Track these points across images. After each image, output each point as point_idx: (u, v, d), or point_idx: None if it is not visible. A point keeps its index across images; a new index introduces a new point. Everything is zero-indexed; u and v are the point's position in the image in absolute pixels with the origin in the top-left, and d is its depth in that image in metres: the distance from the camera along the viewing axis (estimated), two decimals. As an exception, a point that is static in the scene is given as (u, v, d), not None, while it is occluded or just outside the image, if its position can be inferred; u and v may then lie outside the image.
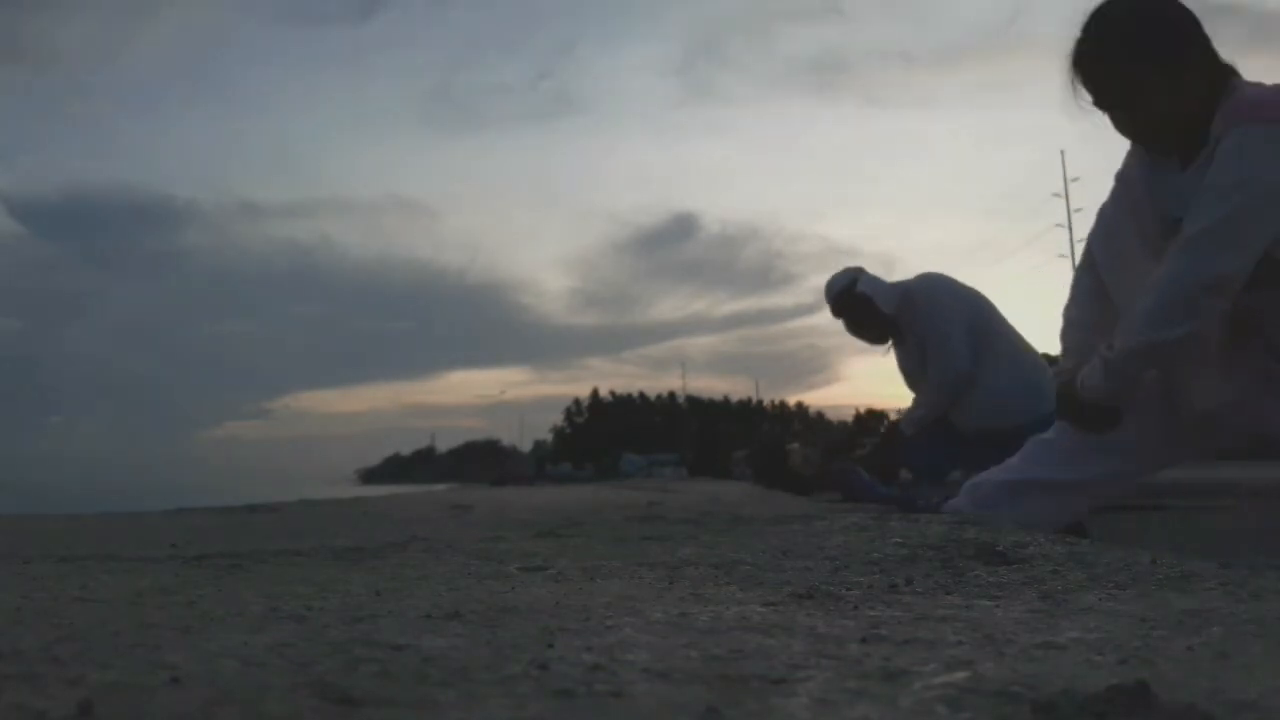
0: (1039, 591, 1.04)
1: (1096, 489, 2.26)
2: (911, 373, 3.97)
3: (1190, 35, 1.98)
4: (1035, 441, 2.33)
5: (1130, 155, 2.14)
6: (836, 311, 3.99)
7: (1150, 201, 2.05)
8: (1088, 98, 2.06)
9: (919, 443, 3.84)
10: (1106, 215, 2.21)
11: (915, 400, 3.92)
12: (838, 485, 4.14)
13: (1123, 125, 2.07)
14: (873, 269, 4.11)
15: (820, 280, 4.32)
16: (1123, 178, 2.16)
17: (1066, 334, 2.28)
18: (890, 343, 4.05)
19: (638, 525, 2.24)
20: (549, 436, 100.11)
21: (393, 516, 2.81)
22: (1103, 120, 2.08)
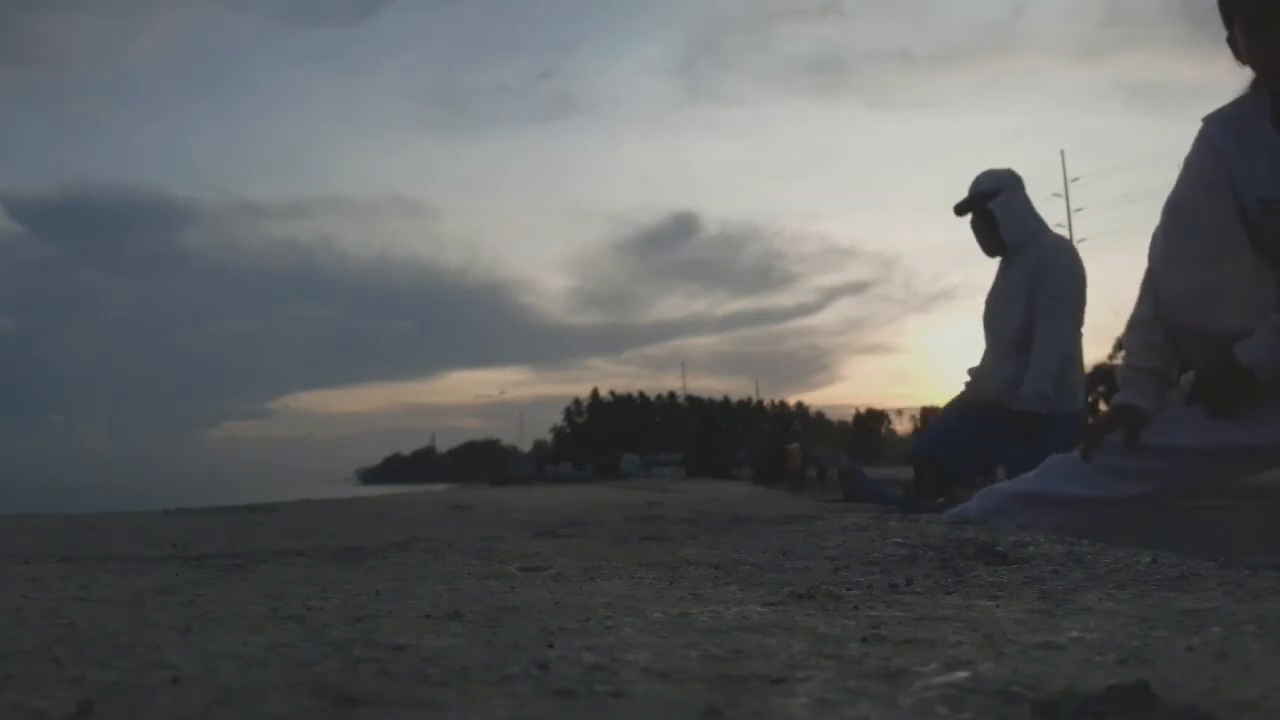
0: (1039, 591, 1.04)
1: (1116, 511, 2.19)
2: (998, 308, 3.68)
3: None
4: (1057, 458, 2.30)
5: (1210, 133, 1.99)
6: (959, 210, 3.78)
7: (1246, 181, 1.91)
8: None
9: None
10: (1172, 206, 2.06)
11: (994, 371, 3.59)
12: (839, 485, 4.14)
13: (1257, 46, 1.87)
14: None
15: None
16: (1199, 159, 2.02)
17: (1139, 331, 2.18)
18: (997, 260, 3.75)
19: (638, 525, 2.24)
20: (549, 436, 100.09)
21: (393, 516, 2.81)
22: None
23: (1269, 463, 2.10)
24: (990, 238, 3.69)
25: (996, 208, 3.61)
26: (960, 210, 3.72)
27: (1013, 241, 3.61)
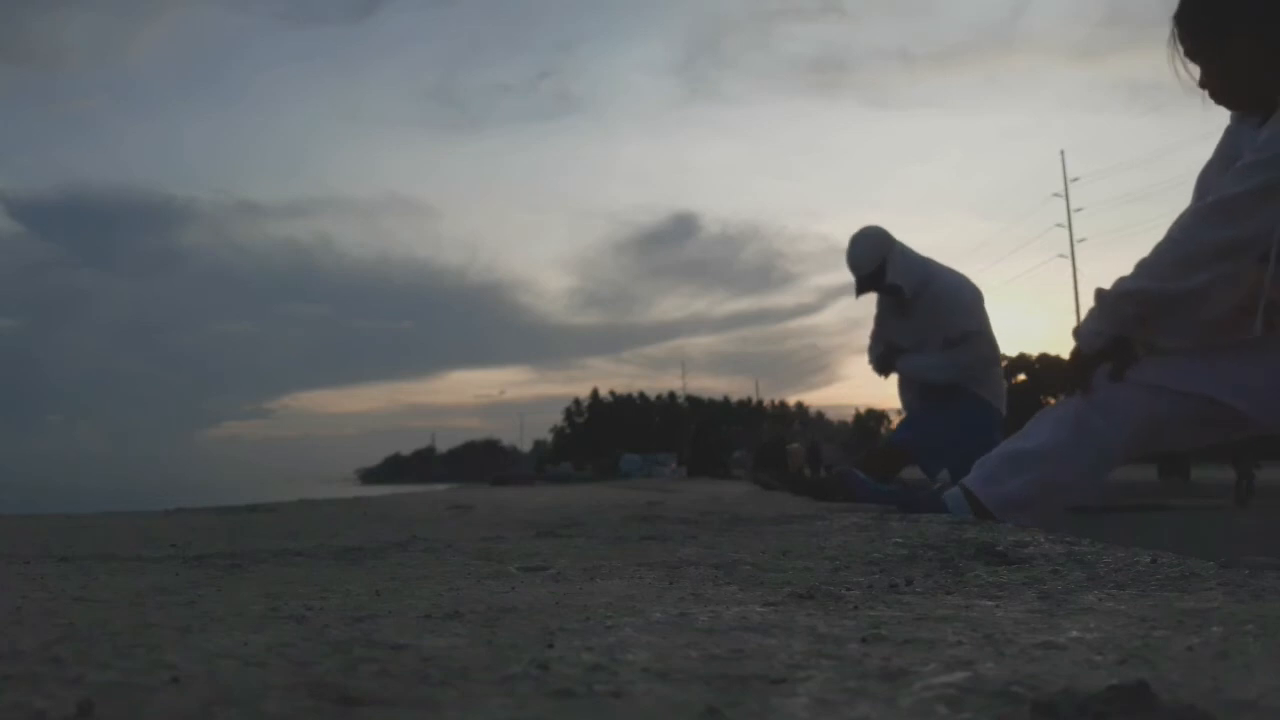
0: (1039, 591, 1.04)
1: (1094, 460, 2.22)
2: (901, 341, 4.23)
3: (1265, 9, 1.93)
4: (1040, 414, 2.33)
5: (1232, 115, 2.11)
6: (861, 293, 4.13)
7: (1230, 157, 2.03)
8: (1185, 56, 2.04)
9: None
10: (1201, 177, 2.18)
11: (920, 362, 4.11)
12: (838, 487, 4.17)
13: (1202, 84, 2.03)
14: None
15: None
16: (1226, 131, 2.14)
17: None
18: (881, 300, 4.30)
19: (638, 525, 2.24)
20: (549, 436, 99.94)
21: (393, 516, 2.81)
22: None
23: (1241, 423, 2.12)
24: (896, 296, 4.16)
25: (892, 276, 4.03)
26: (862, 292, 4.12)
27: (913, 293, 4.08)
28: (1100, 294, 2.13)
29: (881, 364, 4.35)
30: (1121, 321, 2.11)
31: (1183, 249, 1.97)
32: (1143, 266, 2.04)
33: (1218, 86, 2.01)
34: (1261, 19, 1.92)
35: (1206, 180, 2.14)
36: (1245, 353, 2.07)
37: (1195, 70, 2.03)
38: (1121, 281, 2.09)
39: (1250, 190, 1.86)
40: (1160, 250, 2.02)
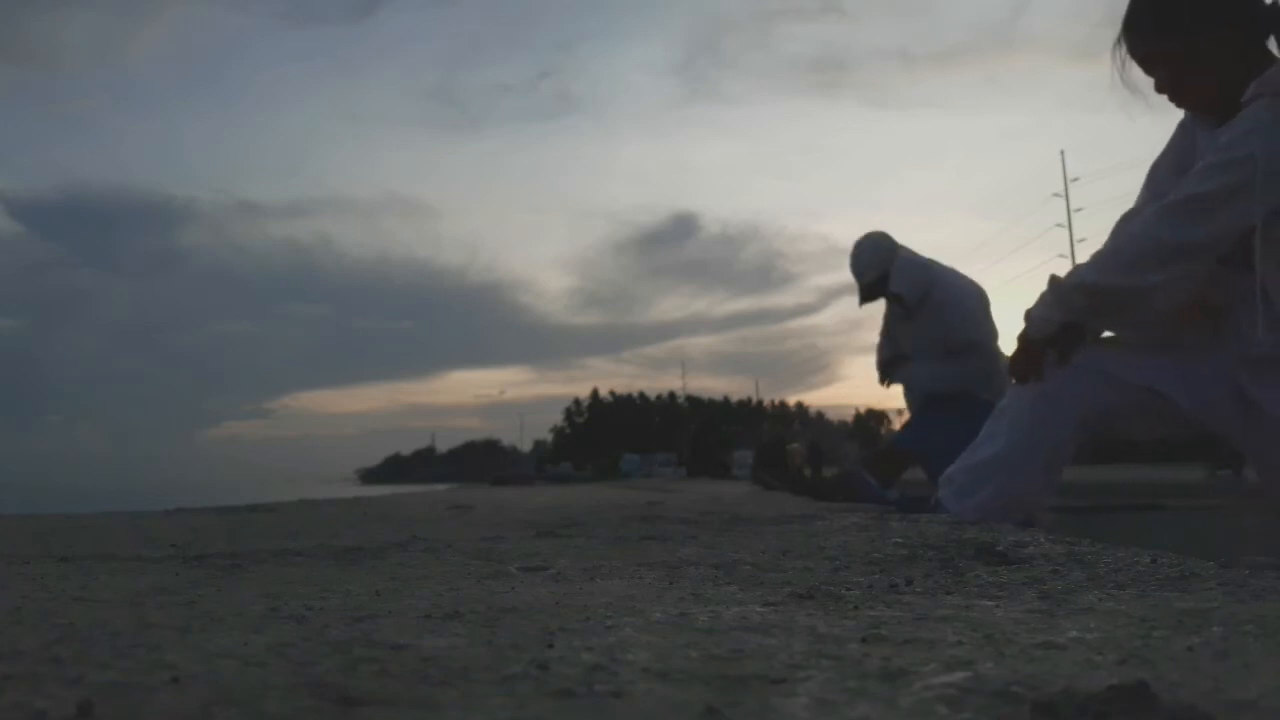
0: (1039, 591, 1.04)
1: (1046, 452, 2.22)
2: (906, 345, 4.26)
3: (1223, 8, 1.94)
4: (989, 420, 2.33)
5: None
6: (865, 301, 4.15)
7: (1187, 158, 2.03)
8: (1131, 64, 2.07)
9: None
10: (1153, 170, 2.19)
11: (927, 370, 4.14)
12: (840, 487, 4.17)
13: (1160, 88, 2.04)
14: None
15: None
16: (1180, 127, 2.14)
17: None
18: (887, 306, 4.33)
19: (638, 525, 2.24)
20: (549, 436, 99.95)
21: (393, 516, 2.81)
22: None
23: (1181, 419, 2.12)
24: (898, 303, 4.18)
25: (895, 285, 4.06)
26: (865, 301, 4.16)
27: (915, 302, 4.11)
28: (1054, 282, 2.13)
29: (883, 373, 4.37)
30: (1073, 312, 2.12)
31: (1141, 247, 1.96)
32: (1099, 260, 2.05)
33: (1182, 89, 2.01)
34: (1230, 19, 1.92)
35: (1159, 176, 2.14)
36: (1191, 350, 2.07)
37: (1143, 77, 2.04)
38: (1076, 272, 2.09)
39: (1212, 192, 1.86)
40: (1118, 246, 2.02)
